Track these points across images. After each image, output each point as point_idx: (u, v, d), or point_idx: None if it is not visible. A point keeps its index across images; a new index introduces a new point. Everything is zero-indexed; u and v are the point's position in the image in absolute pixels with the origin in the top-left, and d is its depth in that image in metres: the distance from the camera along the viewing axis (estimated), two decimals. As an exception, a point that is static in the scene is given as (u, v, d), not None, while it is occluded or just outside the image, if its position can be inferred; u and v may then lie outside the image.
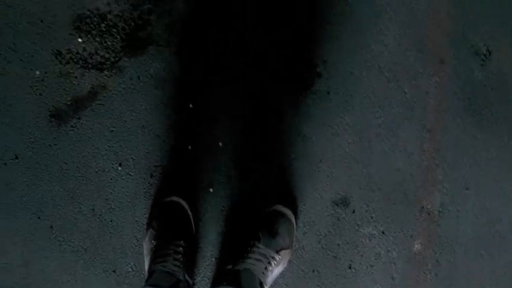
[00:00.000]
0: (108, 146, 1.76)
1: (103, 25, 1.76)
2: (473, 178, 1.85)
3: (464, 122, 1.83)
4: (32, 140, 1.75)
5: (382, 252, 1.79)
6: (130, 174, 1.75)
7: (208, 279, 1.74)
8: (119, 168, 1.75)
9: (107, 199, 1.75)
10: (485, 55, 1.81)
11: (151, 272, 1.49)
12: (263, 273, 1.52)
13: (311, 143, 1.78)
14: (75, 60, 1.77)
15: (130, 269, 1.73)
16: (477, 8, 1.78)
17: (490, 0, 1.78)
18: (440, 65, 1.81)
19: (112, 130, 1.76)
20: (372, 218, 1.78)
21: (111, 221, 1.73)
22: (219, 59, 1.76)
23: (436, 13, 1.79)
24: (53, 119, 1.76)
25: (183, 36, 1.76)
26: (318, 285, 1.76)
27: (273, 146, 1.76)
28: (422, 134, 1.81)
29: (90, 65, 1.76)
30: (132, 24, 1.76)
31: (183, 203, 1.69)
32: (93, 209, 1.73)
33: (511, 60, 1.81)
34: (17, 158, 1.75)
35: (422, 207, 1.81)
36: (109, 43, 1.76)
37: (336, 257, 1.77)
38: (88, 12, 1.76)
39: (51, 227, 1.73)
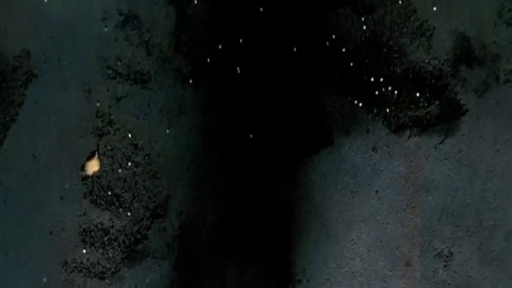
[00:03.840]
0: None
1: (105, 238, 1.98)
2: None
3: (433, 317, 2.01)
4: None
5: None
6: None
7: None
8: None
9: None
10: (447, 257, 2.02)
11: None
12: None
13: None
14: (79, 269, 1.97)
15: None
16: (438, 213, 2.02)
17: (448, 206, 2.02)
18: (407, 267, 2.01)
19: (110, 335, 1.93)
20: None
21: None
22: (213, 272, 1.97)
23: (401, 222, 2.02)
24: (57, 324, 1.94)
25: (177, 249, 1.98)
26: None
27: None
28: (395, 331, 1.98)
29: (92, 274, 1.96)
30: (132, 238, 1.98)
31: None
32: None
33: (471, 260, 2.02)
34: None
35: None
36: (110, 254, 1.97)
37: None
38: (93, 227, 1.98)
39: None
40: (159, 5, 1.97)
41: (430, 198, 2.02)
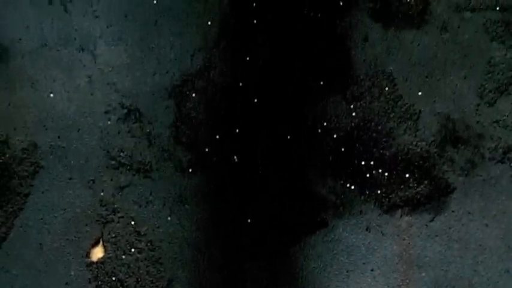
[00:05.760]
0: None
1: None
2: None
3: None
4: None
5: None
6: None
7: None
8: None
9: None
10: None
11: None
12: None
13: None
14: None
15: None
16: (431, 288, 2.10)
17: (441, 281, 2.09)
18: None
19: None
20: None
21: None
22: None
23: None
24: None
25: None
26: None
27: None
28: None
29: None
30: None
31: None
32: None
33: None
34: None
35: None
36: None
37: None
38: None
39: None
40: (159, 98, 2.08)
41: (423, 274, 2.09)
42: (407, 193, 2.10)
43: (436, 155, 2.11)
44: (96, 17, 2.09)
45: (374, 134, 2.10)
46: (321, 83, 2.08)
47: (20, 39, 2.09)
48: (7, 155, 2.11)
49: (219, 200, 2.08)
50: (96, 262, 2.07)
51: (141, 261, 2.07)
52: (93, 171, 2.09)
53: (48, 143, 2.10)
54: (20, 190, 2.10)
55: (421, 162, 2.11)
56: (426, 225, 2.10)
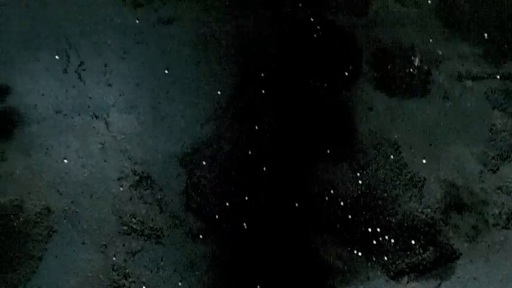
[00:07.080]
0: None
1: None
2: None
3: None
4: None
5: None
6: None
7: None
8: None
9: None
10: None
11: None
12: None
13: None
14: None
15: None
16: None
17: None
18: None
19: None
20: None
21: None
22: None
23: None
24: None
25: None
26: None
27: None
28: None
29: None
30: None
31: None
32: None
33: None
34: None
35: None
36: None
37: None
38: None
39: None
40: (170, 166, 2.14)
41: None
42: (413, 259, 2.14)
43: (441, 221, 2.16)
44: (110, 85, 2.17)
45: (380, 202, 2.14)
46: (328, 151, 2.14)
47: (36, 106, 2.17)
48: (21, 219, 2.16)
49: (228, 266, 2.12)
50: (107, 327, 2.10)
51: (152, 326, 2.10)
52: (105, 236, 2.13)
53: (61, 208, 2.15)
54: (33, 253, 2.15)
55: (426, 228, 2.15)
56: (432, 291, 2.14)
